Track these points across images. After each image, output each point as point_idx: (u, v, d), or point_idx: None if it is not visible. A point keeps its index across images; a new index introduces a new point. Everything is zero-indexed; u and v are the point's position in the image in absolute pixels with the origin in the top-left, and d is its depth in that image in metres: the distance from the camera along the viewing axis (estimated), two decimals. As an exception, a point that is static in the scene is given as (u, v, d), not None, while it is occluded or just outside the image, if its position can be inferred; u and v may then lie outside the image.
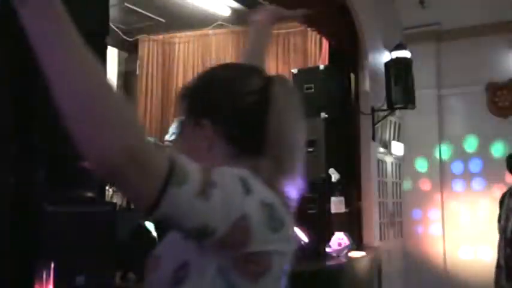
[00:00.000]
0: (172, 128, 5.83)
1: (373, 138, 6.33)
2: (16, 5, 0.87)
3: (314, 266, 4.47)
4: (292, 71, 6.40)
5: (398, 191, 7.08)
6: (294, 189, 1.13)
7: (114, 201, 4.68)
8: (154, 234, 3.51)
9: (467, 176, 7.05)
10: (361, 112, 6.31)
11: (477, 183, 6.97)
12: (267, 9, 1.64)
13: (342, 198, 5.44)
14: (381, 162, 6.62)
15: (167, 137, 5.79)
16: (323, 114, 5.82)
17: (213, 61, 7.97)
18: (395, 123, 7.03)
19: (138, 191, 0.90)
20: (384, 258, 6.13)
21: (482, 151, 6.95)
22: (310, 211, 5.57)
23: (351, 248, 5.22)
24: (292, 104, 1.16)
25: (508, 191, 5.48)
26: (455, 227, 7.00)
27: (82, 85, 0.85)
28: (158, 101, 8.15)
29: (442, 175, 7.15)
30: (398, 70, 6.04)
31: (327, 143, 5.76)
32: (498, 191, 6.24)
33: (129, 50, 8.29)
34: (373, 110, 6.28)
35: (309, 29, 6.46)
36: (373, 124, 6.30)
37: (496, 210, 5.55)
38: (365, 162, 6.30)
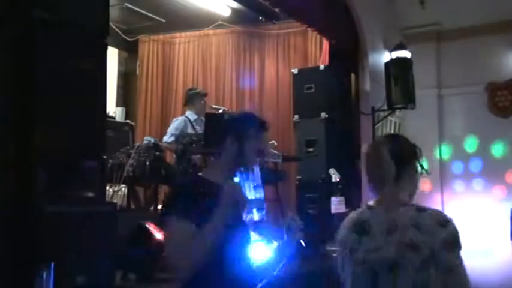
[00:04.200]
0: (171, 129, 5.80)
1: (374, 138, 6.33)
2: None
3: (314, 266, 4.47)
4: (292, 71, 6.39)
5: (399, 191, 7.06)
6: None
7: (114, 201, 4.68)
8: (157, 236, 3.50)
9: (468, 176, 7.04)
10: (362, 112, 6.31)
11: (477, 183, 6.96)
12: None
13: (342, 198, 5.43)
14: (381, 162, 6.61)
15: (165, 139, 5.76)
16: (323, 114, 5.82)
17: (213, 61, 7.98)
18: (395, 123, 7.03)
19: None
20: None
21: (482, 151, 6.95)
22: (310, 211, 5.58)
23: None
24: None
25: None
26: (455, 227, 6.99)
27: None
28: (158, 101, 8.14)
29: (442, 175, 7.14)
30: (399, 70, 6.03)
31: (327, 143, 5.76)
32: (498, 191, 6.24)
33: (130, 50, 8.29)
34: (373, 110, 6.27)
35: (309, 29, 6.45)
36: (374, 124, 6.30)
37: (497, 211, 5.54)
38: (365, 162, 6.29)
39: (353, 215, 1.97)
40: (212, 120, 4.92)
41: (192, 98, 5.98)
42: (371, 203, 1.94)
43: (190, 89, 6.35)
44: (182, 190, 2.06)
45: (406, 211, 1.82)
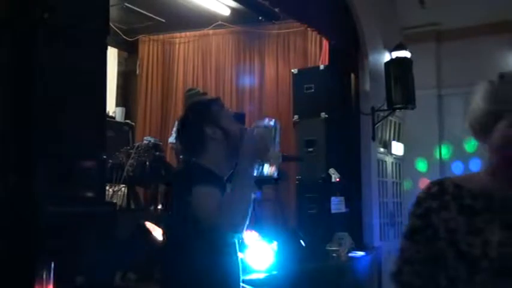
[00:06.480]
0: (175, 129, 5.86)
1: (373, 138, 6.33)
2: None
3: (314, 266, 4.47)
4: (292, 71, 6.39)
5: (399, 191, 7.07)
6: None
7: (114, 201, 4.68)
8: (157, 235, 3.50)
9: (468, 176, 7.03)
10: (361, 112, 6.31)
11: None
12: None
13: (342, 198, 5.44)
14: (381, 162, 6.62)
15: (171, 140, 5.82)
16: (323, 114, 5.82)
17: (213, 61, 7.98)
18: (395, 123, 7.03)
19: None
20: (384, 258, 6.12)
21: (482, 151, 6.93)
22: (310, 211, 5.58)
23: (351, 248, 5.22)
24: None
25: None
26: (455, 227, 6.99)
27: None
28: (158, 101, 8.15)
29: (442, 175, 7.13)
30: (399, 70, 6.03)
31: (327, 143, 5.76)
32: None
33: (129, 50, 8.29)
34: (373, 110, 6.27)
35: (309, 29, 6.45)
36: (373, 124, 6.30)
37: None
38: (365, 162, 6.30)
39: None
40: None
41: (189, 99, 5.98)
42: None
43: (188, 90, 6.35)
44: (193, 168, 1.93)
45: None
